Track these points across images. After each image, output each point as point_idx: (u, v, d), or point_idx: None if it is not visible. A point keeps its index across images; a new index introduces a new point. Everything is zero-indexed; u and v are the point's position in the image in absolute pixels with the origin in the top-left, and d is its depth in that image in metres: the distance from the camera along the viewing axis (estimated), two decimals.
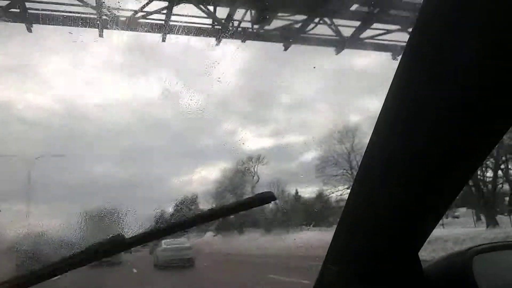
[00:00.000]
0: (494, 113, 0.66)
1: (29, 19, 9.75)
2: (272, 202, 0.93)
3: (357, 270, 0.94)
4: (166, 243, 21.87)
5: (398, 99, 0.75)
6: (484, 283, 1.02)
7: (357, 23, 11.09)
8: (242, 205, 0.96)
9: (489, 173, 20.67)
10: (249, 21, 10.69)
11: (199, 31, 10.35)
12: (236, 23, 10.69)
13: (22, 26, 9.88)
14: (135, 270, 17.40)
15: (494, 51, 0.58)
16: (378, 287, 0.92)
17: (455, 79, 0.63)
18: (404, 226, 0.86)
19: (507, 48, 0.57)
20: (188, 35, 10.63)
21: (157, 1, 9.72)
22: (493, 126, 0.68)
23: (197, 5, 9.77)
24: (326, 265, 1.04)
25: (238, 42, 11.01)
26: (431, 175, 0.76)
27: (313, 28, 11.09)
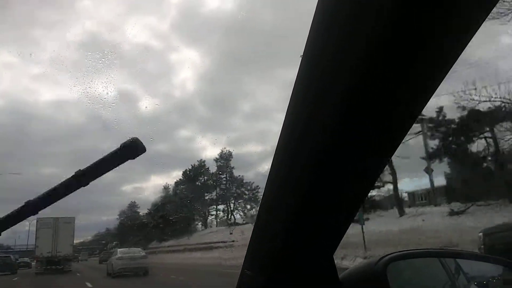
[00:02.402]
0: (393, 114, 0.67)
1: None
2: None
3: (270, 275, 0.91)
4: (121, 252, 21.29)
5: (299, 101, 0.75)
6: None
7: None
8: (106, 161, 0.92)
9: None
10: None
11: None
12: None
13: None
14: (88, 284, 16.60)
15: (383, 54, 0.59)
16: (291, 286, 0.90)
17: (348, 84, 0.64)
18: (316, 229, 0.84)
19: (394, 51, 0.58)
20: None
21: None
22: (395, 125, 0.69)
23: None
24: (244, 270, 1.01)
25: None
26: (338, 178, 0.75)
27: None
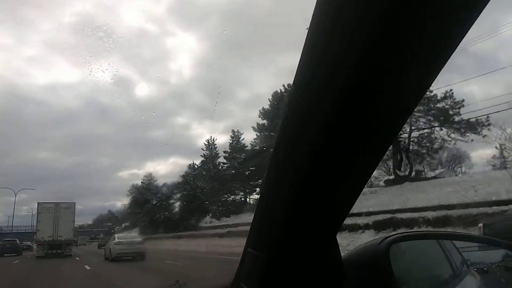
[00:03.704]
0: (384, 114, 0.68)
1: None
2: None
3: (274, 254, 0.90)
4: (119, 237, 21.41)
5: (300, 93, 0.76)
6: (400, 271, 1.04)
7: None
8: None
9: None
10: None
11: None
12: None
13: None
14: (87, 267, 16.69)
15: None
16: (296, 270, 0.88)
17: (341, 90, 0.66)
18: (319, 209, 0.83)
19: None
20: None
21: None
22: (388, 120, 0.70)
23: None
24: (247, 249, 1.00)
25: None
26: (343, 156, 0.74)
27: None
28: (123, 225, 69.62)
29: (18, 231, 63.50)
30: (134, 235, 23.42)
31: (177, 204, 52.65)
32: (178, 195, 51.58)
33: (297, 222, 0.86)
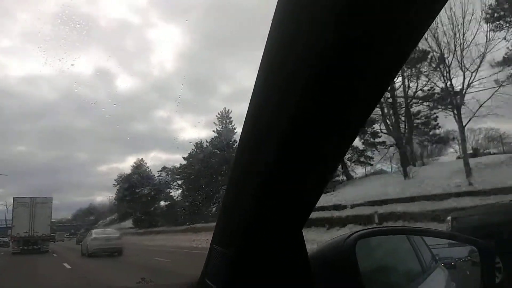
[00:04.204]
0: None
1: None
2: None
3: (239, 250, 0.88)
4: (96, 232, 21.12)
5: (261, 91, 0.75)
6: (367, 267, 1.02)
7: None
8: None
9: None
10: None
11: None
12: None
13: None
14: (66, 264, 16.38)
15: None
16: (262, 266, 0.86)
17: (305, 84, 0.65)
18: (283, 203, 0.81)
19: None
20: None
21: None
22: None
23: None
24: (212, 245, 0.98)
25: None
26: (307, 149, 0.72)
27: None
28: (107, 219, 66.62)
29: None
30: (112, 231, 23.06)
31: (179, 192, 47.45)
32: (180, 182, 46.52)
33: (262, 217, 0.83)
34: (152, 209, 47.86)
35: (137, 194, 51.89)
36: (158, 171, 50.03)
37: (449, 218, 6.19)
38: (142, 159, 56.85)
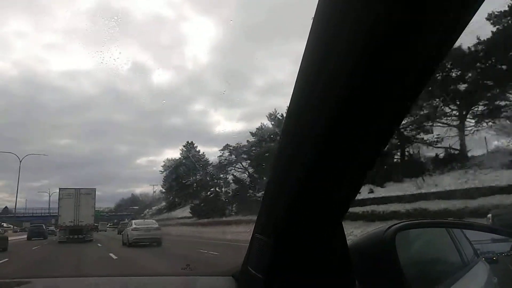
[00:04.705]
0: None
1: None
2: None
3: (281, 240, 0.90)
4: (136, 223, 21.69)
5: (302, 90, 0.77)
6: (406, 259, 1.02)
7: None
8: None
9: None
10: None
11: None
12: None
13: None
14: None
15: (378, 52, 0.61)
16: (303, 256, 0.88)
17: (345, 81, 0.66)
18: (324, 195, 0.83)
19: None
20: None
21: None
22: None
23: None
24: (254, 234, 1.00)
25: None
26: (347, 144, 0.74)
27: None
28: (153, 208, 64.40)
29: (34, 214, 65.04)
30: (151, 221, 23.65)
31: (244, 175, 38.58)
32: (244, 164, 38.75)
33: (303, 209, 0.85)
34: (211, 195, 40.58)
35: (188, 180, 46.61)
36: (220, 150, 41.47)
37: (489, 215, 5.99)
38: (192, 142, 50.10)
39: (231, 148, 39.74)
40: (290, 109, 0.81)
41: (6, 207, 70.40)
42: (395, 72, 0.64)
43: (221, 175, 42.40)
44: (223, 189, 41.24)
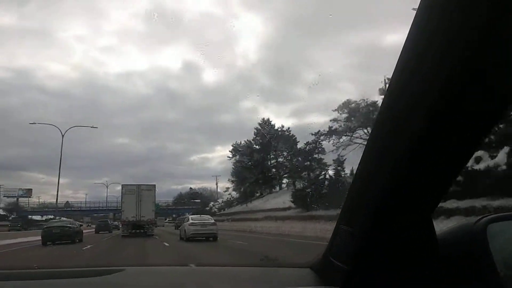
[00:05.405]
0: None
1: None
2: None
3: (367, 231, 0.90)
4: (193, 218, 22.32)
5: (398, 85, 0.76)
6: (498, 252, 0.96)
7: None
8: None
9: None
10: None
11: None
12: None
13: None
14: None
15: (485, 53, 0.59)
16: (389, 247, 0.86)
17: (447, 80, 0.65)
18: (415, 186, 0.81)
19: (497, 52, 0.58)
20: None
21: None
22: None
23: None
24: (339, 226, 1.00)
25: None
26: (441, 136, 0.72)
27: None
28: (219, 201, 59.51)
29: (91, 208, 69.47)
30: (207, 216, 24.24)
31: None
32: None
33: (392, 201, 0.85)
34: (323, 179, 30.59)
35: (269, 162, 37.58)
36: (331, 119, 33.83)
37: None
38: (268, 118, 43.32)
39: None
40: (384, 102, 0.81)
41: (67, 201, 76.14)
42: (492, 73, 0.62)
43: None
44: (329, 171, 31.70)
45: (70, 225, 22.61)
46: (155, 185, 29.34)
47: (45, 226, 23.23)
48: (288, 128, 41.74)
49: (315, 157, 35.11)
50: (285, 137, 41.20)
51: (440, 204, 0.92)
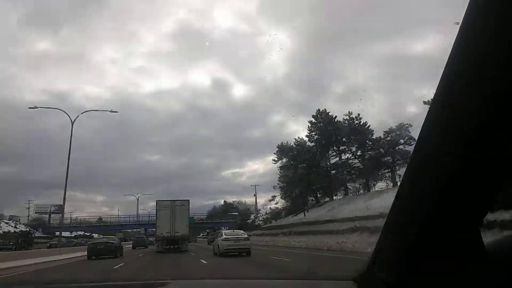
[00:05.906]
0: None
1: None
2: None
3: (413, 238, 0.88)
4: (226, 233, 22.28)
5: (450, 86, 0.74)
6: None
7: None
8: None
9: None
10: None
11: None
12: None
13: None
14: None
15: None
16: (435, 256, 0.85)
17: (500, 79, 0.63)
18: (463, 194, 0.80)
19: None
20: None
21: None
22: None
23: None
24: (384, 236, 1.00)
25: None
26: (491, 143, 0.70)
27: None
28: (261, 212, 56.36)
29: (121, 223, 71.06)
30: (240, 231, 24.16)
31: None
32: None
33: (439, 211, 0.83)
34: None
35: (328, 162, 32.90)
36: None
37: None
38: (325, 109, 37.50)
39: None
40: (432, 108, 0.80)
41: (100, 217, 78.20)
42: None
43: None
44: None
45: (113, 241, 25.46)
46: (188, 200, 29.29)
47: (90, 242, 26.96)
48: (359, 115, 33.85)
49: (401, 149, 29.94)
50: (354, 129, 33.22)
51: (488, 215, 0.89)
